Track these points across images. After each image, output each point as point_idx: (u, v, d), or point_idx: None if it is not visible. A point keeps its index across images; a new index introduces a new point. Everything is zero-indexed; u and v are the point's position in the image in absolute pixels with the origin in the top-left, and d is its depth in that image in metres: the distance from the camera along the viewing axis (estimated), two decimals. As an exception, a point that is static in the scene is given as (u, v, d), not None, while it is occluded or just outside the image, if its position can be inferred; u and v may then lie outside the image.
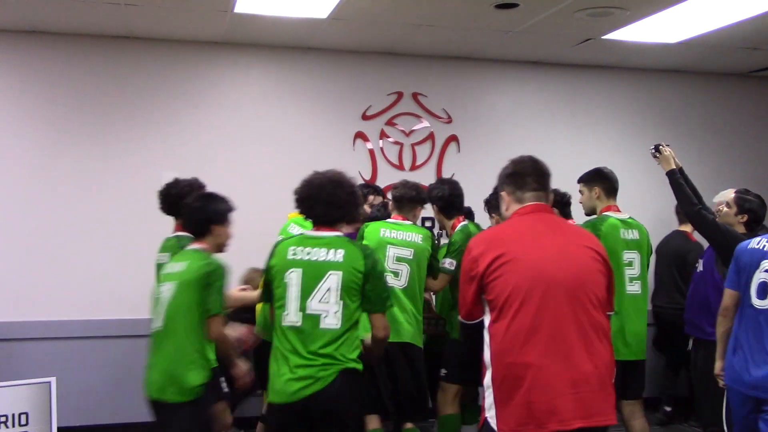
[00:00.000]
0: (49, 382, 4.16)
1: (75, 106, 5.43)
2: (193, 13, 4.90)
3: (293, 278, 3.11)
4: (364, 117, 5.91)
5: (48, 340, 5.27)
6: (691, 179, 5.65)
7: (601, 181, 4.32)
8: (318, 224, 3.24)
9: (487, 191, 4.85)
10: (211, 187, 5.34)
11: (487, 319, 2.68)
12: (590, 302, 2.64)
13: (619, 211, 4.30)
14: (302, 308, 3.09)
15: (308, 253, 3.14)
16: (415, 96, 6.01)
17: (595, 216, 4.28)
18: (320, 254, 3.13)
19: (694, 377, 4.34)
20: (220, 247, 3.51)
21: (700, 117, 6.60)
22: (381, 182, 5.84)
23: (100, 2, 4.67)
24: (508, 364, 2.57)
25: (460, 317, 2.83)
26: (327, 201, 3.21)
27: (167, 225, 5.37)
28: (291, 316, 3.10)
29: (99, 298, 5.39)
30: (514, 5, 4.64)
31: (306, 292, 3.09)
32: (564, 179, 6.04)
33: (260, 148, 5.70)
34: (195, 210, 3.48)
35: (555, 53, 5.94)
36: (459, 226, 4.48)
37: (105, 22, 5.11)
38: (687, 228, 5.62)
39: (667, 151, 4.25)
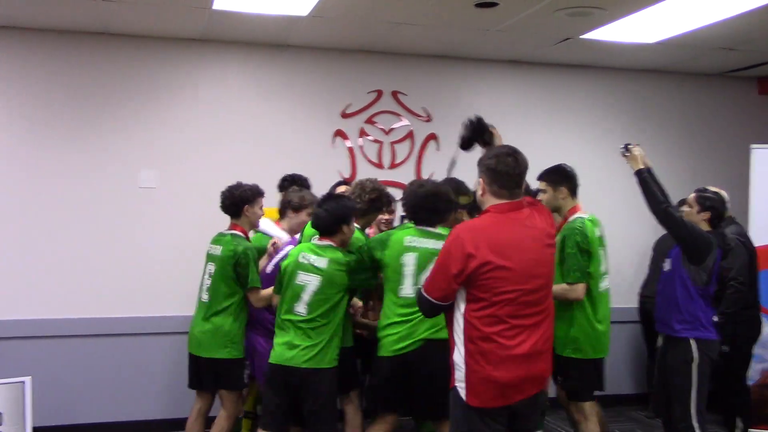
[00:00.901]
0: (23, 382, 4.13)
1: (51, 103, 5.37)
2: (172, 10, 4.86)
3: (410, 260, 3.82)
4: (344, 115, 5.91)
5: (24, 339, 5.22)
6: (669, 178, 5.73)
7: (568, 180, 4.28)
8: (421, 225, 3.93)
9: None
10: (190, 185, 5.52)
11: (462, 305, 2.98)
12: (549, 294, 3.09)
13: (581, 210, 4.28)
14: (415, 283, 3.77)
15: (422, 243, 3.85)
16: (394, 94, 6.02)
17: (575, 221, 4.20)
18: (428, 244, 3.83)
19: (661, 373, 4.38)
20: (344, 243, 4.01)
21: (678, 116, 6.64)
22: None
23: (76, -2, 4.63)
24: (483, 348, 2.92)
25: (431, 297, 3.01)
26: (429, 209, 3.92)
27: (145, 223, 5.47)
28: (407, 289, 3.80)
29: (76, 297, 5.35)
30: (493, 4, 4.64)
31: (419, 271, 3.78)
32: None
33: (239, 145, 5.67)
34: (328, 212, 3.93)
35: (534, 52, 5.97)
36: None
37: (82, 18, 5.05)
38: None
39: (636, 150, 4.25)
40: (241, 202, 4.39)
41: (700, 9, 4.72)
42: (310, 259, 3.89)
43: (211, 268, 4.38)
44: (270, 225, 4.61)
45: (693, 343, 4.17)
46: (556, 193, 4.26)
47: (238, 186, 4.42)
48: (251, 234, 4.62)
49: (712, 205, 4.31)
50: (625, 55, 6.01)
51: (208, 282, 4.38)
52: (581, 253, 4.10)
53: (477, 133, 3.71)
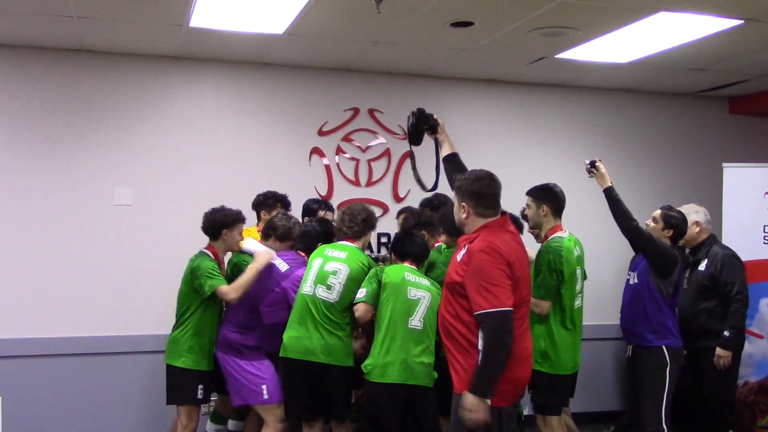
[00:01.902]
0: (-6, 402, 4.09)
1: (24, 120, 5.32)
2: (147, 27, 4.85)
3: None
4: (321, 133, 5.92)
5: (-4, 358, 5.14)
6: (641, 196, 5.89)
7: (551, 200, 4.30)
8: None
9: None
10: (165, 203, 5.50)
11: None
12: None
13: (563, 230, 4.31)
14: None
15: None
16: (371, 112, 6.03)
17: (553, 241, 4.22)
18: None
19: (633, 381, 4.54)
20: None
21: (650, 135, 6.72)
22: (337, 198, 5.85)
23: (51, 14, 4.58)
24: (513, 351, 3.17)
25: (505, 308, 3.10)
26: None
27: (120, 241, 5.44)
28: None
29: (50, 316, 5.29)
30: (469, 24, 4.68)
31: None
32: (518, 196, 6.13)
33: (215, 163, 5.66)
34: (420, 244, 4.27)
35: (509, 71, 6.01)
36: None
37: (56, 34, 5.02)
38: None
39: (602, 167, 4.39)
40: (220, 226, 4.44)
41: (671, 30, 4.78)
42: (415, 278, 4.09)
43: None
44: (254, 243, 4.60)
45: (665, 350, 4.41)
46: (538, 209, 4.30)
47: (220, 210, 4.47)
48: (228, 256, 4.66)
49: (676, 223, 4.55)
50: (599, 74, 6.08)
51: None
52: (550, 272, 4.14)
53: (421, 121, 3.87)
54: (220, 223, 4.43)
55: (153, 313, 5.31)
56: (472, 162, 5.95)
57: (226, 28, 4.85)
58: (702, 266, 5.06)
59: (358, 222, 4.29)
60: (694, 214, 5.11)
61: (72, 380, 5.29)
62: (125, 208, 5.46)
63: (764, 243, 5.66)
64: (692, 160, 6.75)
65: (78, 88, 5.41)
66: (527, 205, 4.36)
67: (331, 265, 4.16)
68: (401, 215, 5.08)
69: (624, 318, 4.63)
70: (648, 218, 4.67)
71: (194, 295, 4.36)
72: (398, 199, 6.01)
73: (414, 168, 4.15)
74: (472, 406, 3.05)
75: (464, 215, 3.33)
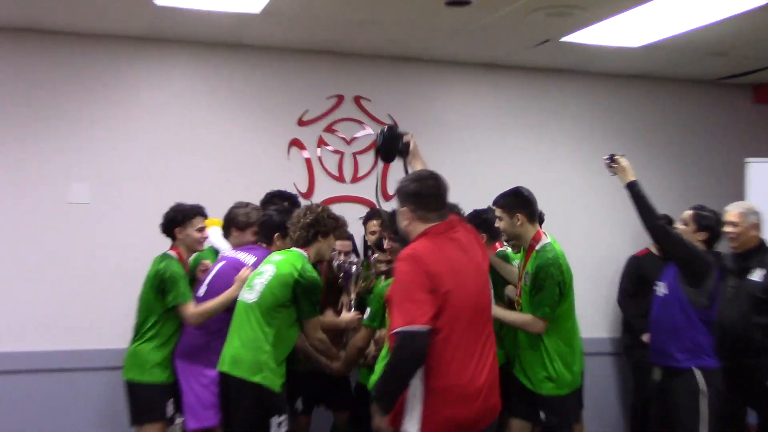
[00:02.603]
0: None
1: (-29, 106, 5.26)
2: (110, 4, 4.80)
3: None
4: (301, 123, 5.89)
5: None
6: (657, 193, 5.78)
7: (524, 206, 4.25)
8: None
9: None
10: (127, 201, 5.49)
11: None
12: (488, 319, 3.28)
13: (544, 233, 4.29)
14: None
15: None
16: (357, 100, 6.01)
17: (547, 251, 4.18)
18: None
19: (660, 410, 4.41)
20: None
21: (666, 127, 6.72)
22: (319, 195, 5.83)
23: (-1, -10, 4.56)
24: (441, 385, 3.05)
25: (415, 326, 2.98)
26: None
27: (76, 243, 5.40)
28: None
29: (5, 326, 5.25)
30: (466, 3, 4.66)
31: None
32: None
33: (184, 156, 5.63)
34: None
35: (510, 55, 6.00)
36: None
37: (9, 12, 4.98)
38: None
39: (624, 161, 4.31)
40: (171, 224, 4.46)
41: (689, 11, 4.77)
42: None
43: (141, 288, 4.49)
44: (218, 236, 4.66)
45: (698, 373, 4.21)
46: (512, 220, 4.23)
47: (173, 207, 4.50)
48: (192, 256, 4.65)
49: (709, 224, 4.38)
50: (609, 59, 6.07)
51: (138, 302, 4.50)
52: (553, 287, 4.10)
53: (390, 144, 3.78)
54: (170, 221, 4.46)
55: (113, 324, 5.23)
56: (468, 155, 6.20)
57: (197, 7, 4.82)
58: (756, 276, 4.81)
59: (299, 227, 4.16)
60: (753, 215, 4.87)
61: (17, 401, 5.20)
62: (82, 207, 5.41)
63: (791, 245, 5.66)
64: (713, 154, 6.76)
65: (30, 72, 5.36)
66: (498, 217, 4.30)
67: (264, 267, 4.13)
68: (373, 221, 5.11)
69: (652, 336, 4.50)
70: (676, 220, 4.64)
71: (158, 301, 4.36)
72: (387, 197, 5.76)
73: (377, 185, 4.26)
74: (376, 420, 3.14)
75: (406, 222, 3.26)
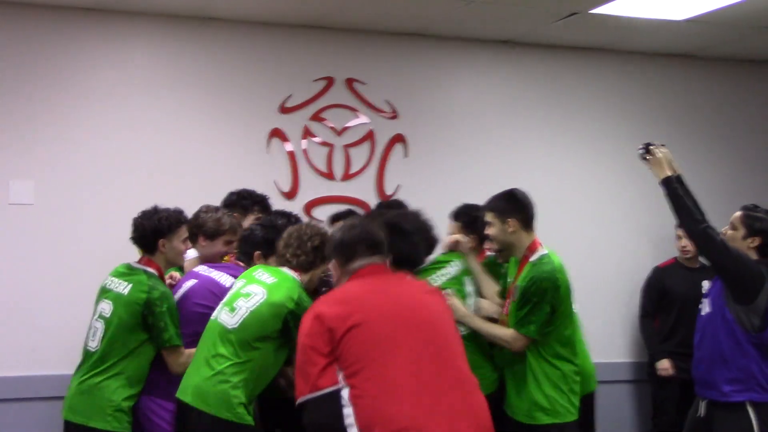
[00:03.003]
0: None
1: None
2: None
3: None
4: (283, 109, 5.76)
5: None
6: (703, 189, 5.68)
7: (519, 211, 4.16)
8: None
9: (442, 208, 4.63)
10: (78, 202, 5.42)
11: (346, 390, 3.02)
12: (452, 357, 3.19)
13: (541, 244, 4.21)
14: None
15: None
16: (349, 83, 5.90)
17: (544, 264, 4.09)
18: None
19: None
20: None
21: (712, 113, 6.67)
22: (304, 195, 5.77)
23: None
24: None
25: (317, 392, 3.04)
26: None
27: (16, 249, 5.27)
28: None
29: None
30: (478, -33, 4.61)
31: None
32: (540, 186, 5.91)
33: (144, 148, 5.48)
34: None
35: (531, 31, 5.96)
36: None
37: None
38: None
39: (660, 152, 4.19)
40: (153, 236, 4.20)
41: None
42: None
43: (106, 307, 4.15)
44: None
45: (750, 409, 4.07)
46: (504, 226, 4.14)
47: (152, 213, 4.24)
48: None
49: (762, 228, 4.24)
50: (646, 35, 6.05)
51: (98, 325, 4.14)
52: (543, 304, 4.03)
53: None
54: (152, 232, 4.19)
55: (59, 346, 5.06)
56: (480, 148, 6.54)
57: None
58: None
59: (306, 250, 4.01)
60: None
61: None
62: (24, 208, 5.27)
63: None
64: (766, 144, 6.77)
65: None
66: (488, 222, 4.21)
67: (251, 287, 3.93)
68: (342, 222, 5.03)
69: (696, 363, 4.36)
70: (724, 223, 4.43)
71: (137, 332, 4.08)
72: (384, 197, 5.86)
73: None
74: None
75: (335, 280, 3.45)
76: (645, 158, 4.24)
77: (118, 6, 5.35)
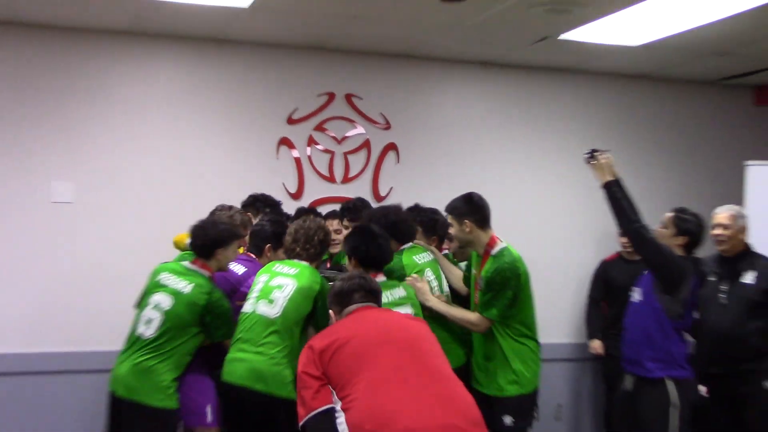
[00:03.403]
0: None
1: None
2: (92, -3, 4.78)
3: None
4: (290, 121, 5.83)
5: None
6: (656, 195, 5.93)
7: (473, 212, 4.24)
8: None
9: (429, 206, 4.85)
10: (112, 201, 5.43)
11: (339, 404, 3.08)
12: (425, 356, 3.19)
13: (499, 239, 4.29)
14: None
15: None
16: (348, 98, 5.96)
17: (504, 255, 4.20)
18: None
19: (629, 420, 4.35)
20: None
21: (666, 128, 6.71)
22: (308, 195, 5.84)
23: (-24, -19, 4.50)
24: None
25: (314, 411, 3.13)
26: None
27: (59, 243, 5.37)
28: None
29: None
30: (461, -2, 4.64)
31: None
32: (519, 192, 6.23)
33: (170, 154, 5.57)
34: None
35: (507, 53, 5.97)
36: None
37: (-15, 4, 4.92)
38: None
39: (603, 158, 4.21)
40: (213, 245, 4.23)
41: (690, 9, 4.75)
42: None
43: (163, 300, 4.15)
44: None
45: (670, 384, 4.17)
46: (461, 226, 4.24)
47: (213, 225, 4.29)
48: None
49: (690, 229, 4.32)
50: (608, 58, 6.07)
51: (155, 315, 4.14)
52: (505, 291, 4.15)
53: None
54: (213, 242, 4.24)
55: (97, 327, 5.26)
56: (464, 157, 6.17)
57: (182, 0, 4.77)
58: (748, 278, 4.80)
59: (314, 244, 4.22)
60: (742, 219, 4.89)
61: (4, 403, 5.19)
62: (65, 206, 5.35)
63: (790, 248, 5.68)
64: (712, 156, 6.76)
65: (12, 67, 5.28)
66: (449, 223, 4.32)
67: (278, 280, 4.10)
68: (331, 219, 5.15)
69: (625, 343, 4.44)
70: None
71: (194, 326, 4.15)
72: (379, 198, 5.96)
73: None
74: None
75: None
76: (590, 162, 4.25)
77: (145, 30, 5.42)
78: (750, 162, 5.89)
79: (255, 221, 4.84)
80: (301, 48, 5.82)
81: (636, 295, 4.37)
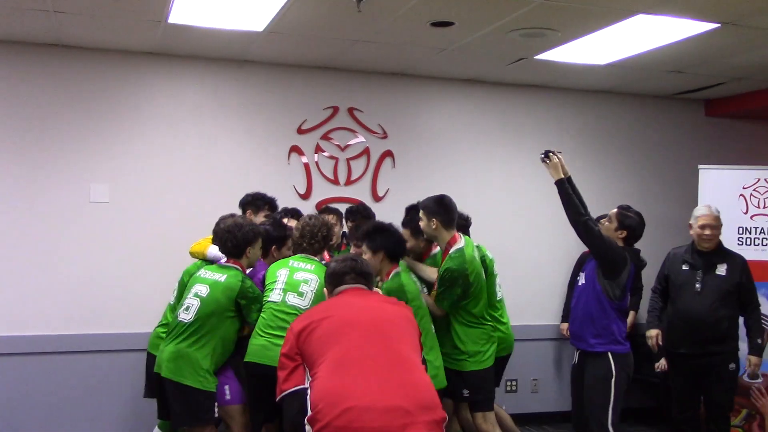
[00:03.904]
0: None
1: (0, 116, 5.25)
2: (126, 22, 4.79)
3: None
4: (300, 131, 5.87)
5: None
6: (619, 196, 5.78)
7: (441, 213, 4.26)
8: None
9: None
10: (142, 200, 5.45)
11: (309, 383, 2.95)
12: (394, 341, 2.99)
13: (459, 238, 4.30)
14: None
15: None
16: (350, 111, 5.99)
17: (455, 257, 4.22)
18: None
19: (577, 389, 4.44)
20: None
21: (628, 137, 6.71)
22: (316, 196, 5.86)
23: (28, 8, 4.52)
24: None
25: (284, 392, 3.13)
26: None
27: (96, 238, 5.37)
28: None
29: (25, 315, 5.22)
30: (449, 24, 4.68)
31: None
32: (497, 196, 6.17)
33: (193, 160, 5.61)
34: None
35: (488, 72, 6.00)
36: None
37: (33, 29, 4.95)
38: None
39: (556, 158, 4.26)
40: (244, 244, 4.22)
41: (649, 33, 4.80)
42: None
43: (203, 289, 4.13)
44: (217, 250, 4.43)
45: (610, 358, 4.23)
46: (429, 222, 4.27)
47: (239, 227, 4.21)
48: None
49: (630, 224, 4.35)
50: (577, 75, 6.07)
51: (194, 302, 4.10)
52: (453, 287, 4.20)
53: None
54: (244, 242, 4.22)
55: (129, 311, 5.31)
56: (450, 162, 6.19)
57: (205, 25, 4.80)
58: (721, 270, 4.85)
59: (319, 239, 4.30)
60: (721, 219, 4.93)
61: (47, 379, 5.23)
62: (102, 205, 5.39)
63: (738, 244, 5.72)
64: (669, 162, 6.77)
65: (54, 83, 5.33)
66: (420, 217, 4.34)
67: (300, 274, 4.16)
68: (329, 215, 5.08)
69: (572, 321, 4.52)
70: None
71: (228, 311, 4.12)
72: (377, 198, 5.99)
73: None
74: None
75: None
76: (544, 161, 4.28)
77: (173, 51, 5.47)
78: (702, 166, 5.96)
79: (254, 218, 4.83)
80: (309, 67, 5.84)
81: (582, 279, 4.42)
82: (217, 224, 4.33)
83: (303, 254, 4.28)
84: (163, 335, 4.32)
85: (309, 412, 2.77)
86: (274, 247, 4.47)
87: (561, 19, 4.53)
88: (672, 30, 4.72)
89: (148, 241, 5.38)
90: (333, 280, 3.28)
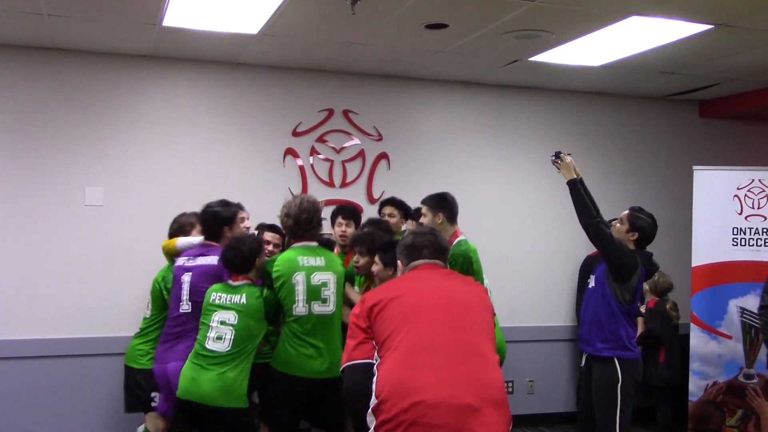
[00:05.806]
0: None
1: (-6, 118, 5.23)
2: (120, 26, 4.79)
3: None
4: (295, 133, 5.86)
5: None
6: (614, 198, 5.81)
7: (446, 208, 4.31)
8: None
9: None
10: (137, 204, 5.45)
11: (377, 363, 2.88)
12: (465, 328, 2.87)
13: (461, 234, 4.35)
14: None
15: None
16: (345, 113, 5.99)
17: (461, 245, 4.24)
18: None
19: (586, 393, 4.38)
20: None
21: (622, 138, 6.72)
22: None
23: (21, 12, 4.51)
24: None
25: (350, 362, 2.99)
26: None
27: (91, 241, 5.36)
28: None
29: (19, 318, 5.21)
30: (443, 26, 4.68)
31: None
32: (492, 197, 6.19)
33: (188, 163, 5.60)
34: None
35: (483, 73, 6.01)
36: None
37: (27, 32, 4.95)
38: None
39: (567, 159, 4.24)
40: (252, 258, 4.10)
41: (642, 34, 4.81)
42: None
43: (229, 317, 3.98)
44: (187, 240, 4.42)
45: (617, 363, 4.16)
46: (434, 218, 4.29)
47: (242, 242, 4.10)
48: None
49: (642, 226, 4.29)
50: (571, 77, 6.08)
51: (226, 331, 3.95)
52: (464, 273, 4.08)
53: None
54: (251, 254, 4.09)
55: (124, 314, 5.27)
56: (445, 164, 6.21)
57: (199, 28, 4.80)
58: None
59: (314, 223, 4.16)
60: None
61: (38, 382, 5.22)
62: (96, 209, 5.38)
63: (733, 245, 5.73)
64: (663, 163, 6.77)
65: (49, 86, 5.32)
66: (423, 213, 4.35)
67: (317, 276, 4.06)
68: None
69: (581, 325, 4.43)
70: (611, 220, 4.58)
71: (261, 326, 4.07)
72: (372, 200, 5.98)
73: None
74: None
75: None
76: (556, 163, 4.26)
77: (167, 54, 5.46)
78: (697, 167, 5.96)
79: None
80: (304, 70, 5.83)
81: (591, 282, 4.34)
82: (175, 221, 4.49)
83: (304, 244, 4.13)
84: (142, 348, 4.40)
85: (373, 398, 2.70)
86: (226, 227, 4.30)
87: (555, 20, 4.54)
88: (666, 31, 4.73)
89: (142, 244, 5.33)
90: (410, 252, 3.14)
